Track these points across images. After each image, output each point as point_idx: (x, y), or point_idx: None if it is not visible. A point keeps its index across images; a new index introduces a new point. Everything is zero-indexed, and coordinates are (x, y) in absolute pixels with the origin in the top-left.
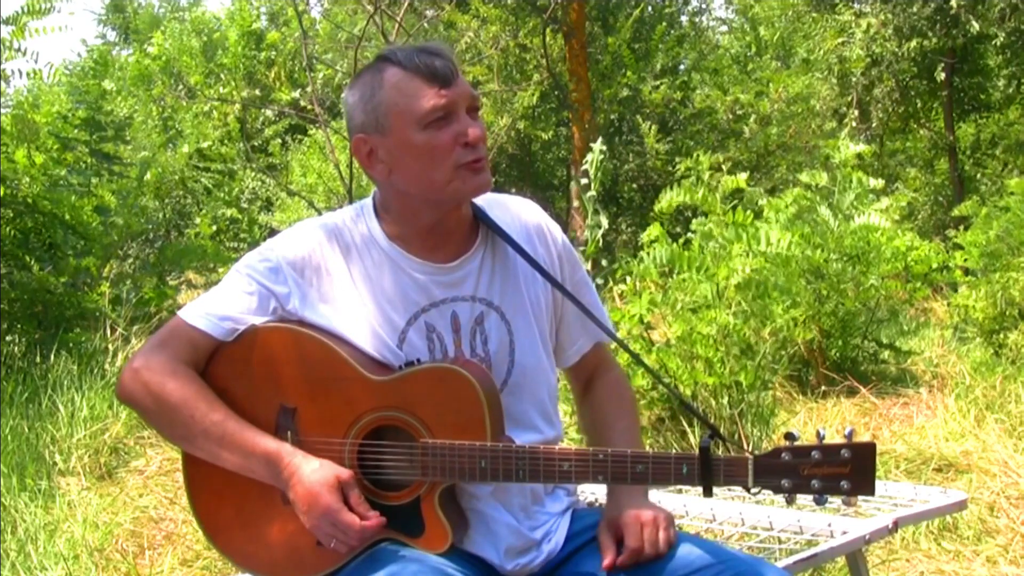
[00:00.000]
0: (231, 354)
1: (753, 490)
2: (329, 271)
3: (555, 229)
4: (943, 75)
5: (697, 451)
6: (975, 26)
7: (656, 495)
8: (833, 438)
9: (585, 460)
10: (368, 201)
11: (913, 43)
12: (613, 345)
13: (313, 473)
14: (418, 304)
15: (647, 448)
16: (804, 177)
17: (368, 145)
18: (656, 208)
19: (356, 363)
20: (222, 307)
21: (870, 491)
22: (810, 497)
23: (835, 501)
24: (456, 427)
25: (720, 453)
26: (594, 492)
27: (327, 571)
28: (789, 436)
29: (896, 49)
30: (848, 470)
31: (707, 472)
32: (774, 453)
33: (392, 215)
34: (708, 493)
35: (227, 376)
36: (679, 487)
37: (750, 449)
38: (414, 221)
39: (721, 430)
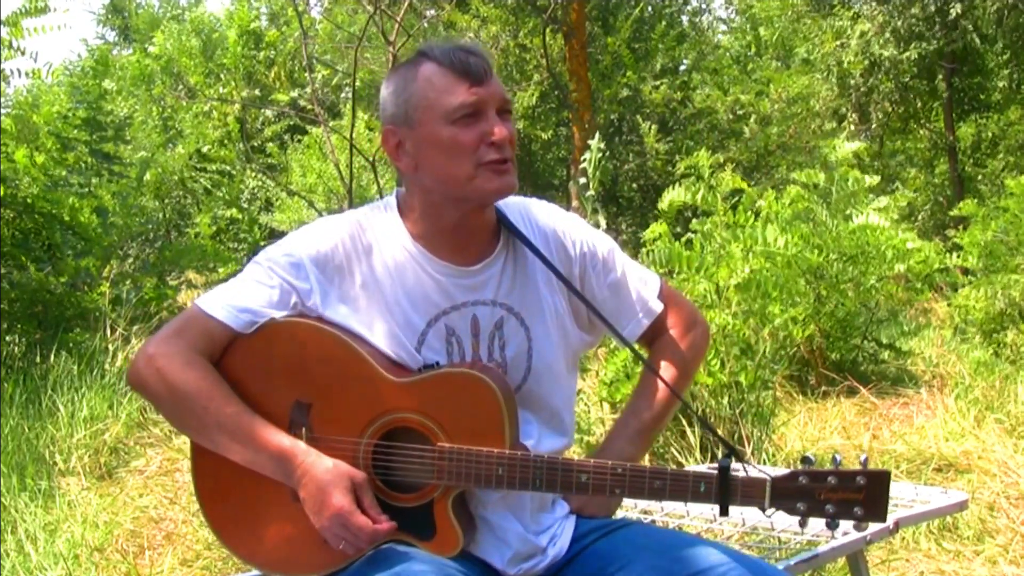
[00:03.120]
0: (248, 346)
1: (768, 512)
2: (351, 270)
3: (573, 233)
4: (943, 77)
5: (693, 459)
6: (976, 40)
7: None
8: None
9: (603, 473)
10: (391, 199)
11: (912, 51)
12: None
13: (326, 473)
14: (439, 306)
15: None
16: (800, 176)
17: (396, 137)
18: (659, 207)
19: (375, 363)
20: (242, 299)
21: (882, 518)
22: (822, 520)
23: None
24: (474, 433)
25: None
26: None
27: (332, 569)
28: (806, 460)
29: (895, 52)
30: (862, 496)
31: (725, 492)
32: (791, 476)
33: (416, 214)
34: (724, 512)
35: (243, 368)
36: None
37: (751, 450)
38: (437, 221)
39: (721, 430)
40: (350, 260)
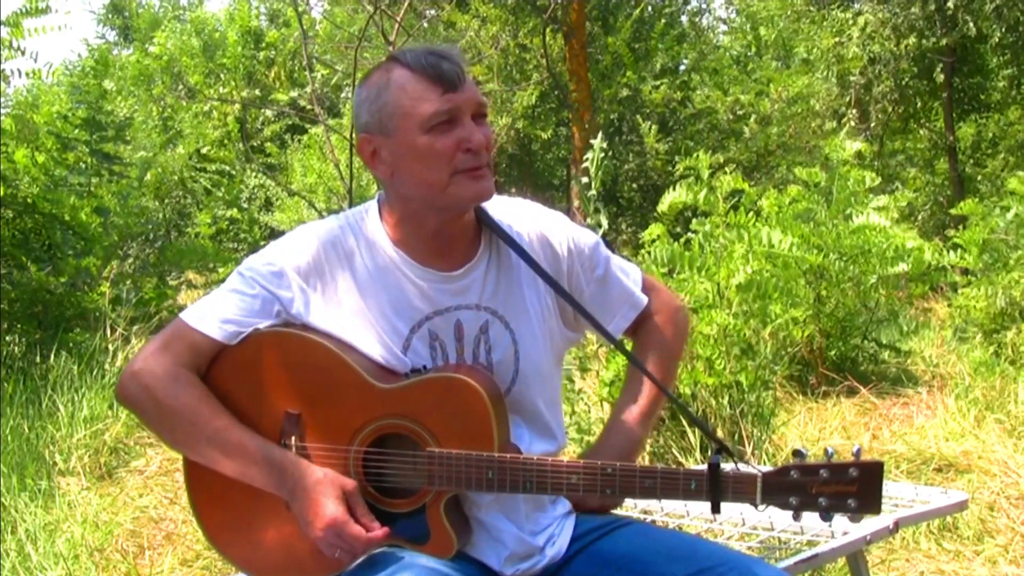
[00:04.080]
0: (235, 358)
1: (760, 507)
2: (333, 277)
3: (558, 231)
4: (942, 75)
5: (693, 459)
6: (972, 29)
7: None
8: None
9: (593, 473)
10: (373, 204)
11: (911, 40)
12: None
13: (317, 484)
14: (422, 312)
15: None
16: (801, 174)
17: (372, 145)
18: (659, 209)
19: (362, 369)
20: (226, 310)
21: (876, 510)
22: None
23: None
24: (463, 436)
25: (729, 466)
26: None
27: (328, 574)
28: (797, 454)
29: (894, 48)
30: (855, 489)
31: (716, 489)
32: (783, 471)
33: (396, 219)
34: (716, 510)
35: (230, 380)
36: None
37: (751, 450)
38: (417, 226)
39: (721, 430)
40: (332, 267)
